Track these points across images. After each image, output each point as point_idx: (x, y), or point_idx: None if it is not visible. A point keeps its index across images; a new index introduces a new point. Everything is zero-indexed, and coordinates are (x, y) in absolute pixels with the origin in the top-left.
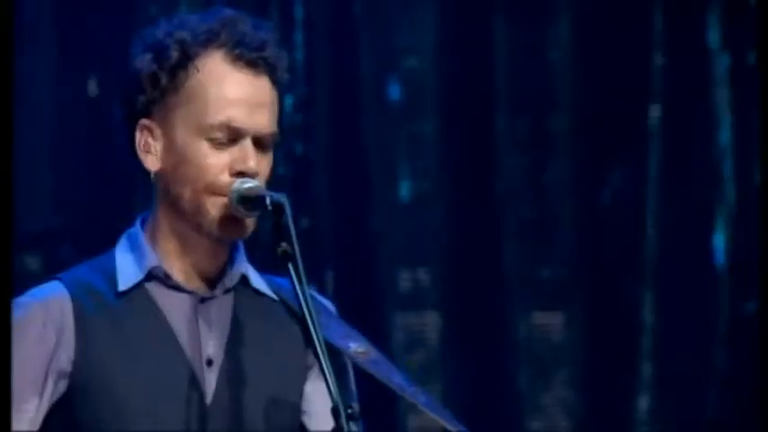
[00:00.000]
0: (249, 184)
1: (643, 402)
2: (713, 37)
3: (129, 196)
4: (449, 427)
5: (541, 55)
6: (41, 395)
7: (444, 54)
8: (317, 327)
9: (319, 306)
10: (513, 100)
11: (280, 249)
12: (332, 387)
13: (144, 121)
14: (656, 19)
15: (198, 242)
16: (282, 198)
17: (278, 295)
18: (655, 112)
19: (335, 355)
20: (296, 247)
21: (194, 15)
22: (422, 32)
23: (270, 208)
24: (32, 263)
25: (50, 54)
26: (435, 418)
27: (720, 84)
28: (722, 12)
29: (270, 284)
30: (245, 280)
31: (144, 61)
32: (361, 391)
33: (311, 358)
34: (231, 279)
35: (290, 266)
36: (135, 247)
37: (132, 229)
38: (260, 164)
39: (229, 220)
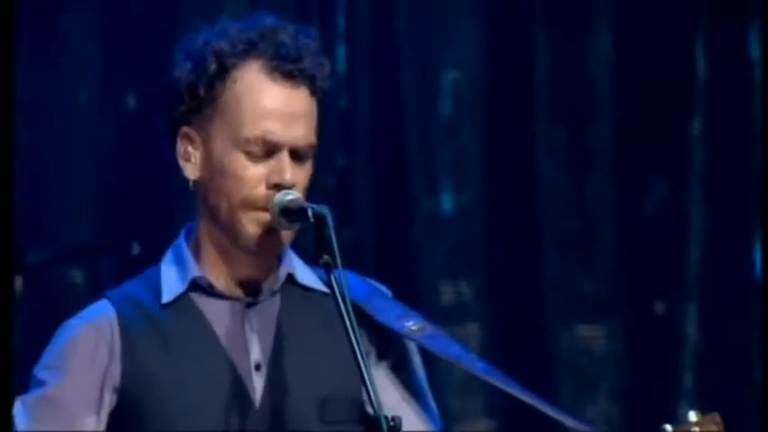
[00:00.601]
0: (291, 196)
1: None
2: (755, 49)
3: (169, 209)
4: (508, 390)
5: (583, 67)
6: (99, 413)
7: (486, 67)
8: (359, 341)
9: (374, 291)
10: (555, 112)
11: (322, 261)
12: (373, 398)
13: (184, 129)
14: (698, 30)
15: (237, 253)
16: (324, 210)
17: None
18: (696, 124)
19: (395, 341)
20: (338, 258)
21: (236, 23)
22: (463, 45)
23: (312, 220)
24: (75, 276)
25: (93, 67)
26: (492, 382)
27: (762, 96)
28: (764, 24)
29: (321, 277)
30: (291, 278)
31: (183, 70)
32: None
33: (368, 345)
34: (277, 281)
35: (333, 278)
36: (179, 259)
37: (177, 241)
38: (297, 175)
39: (266, 235)
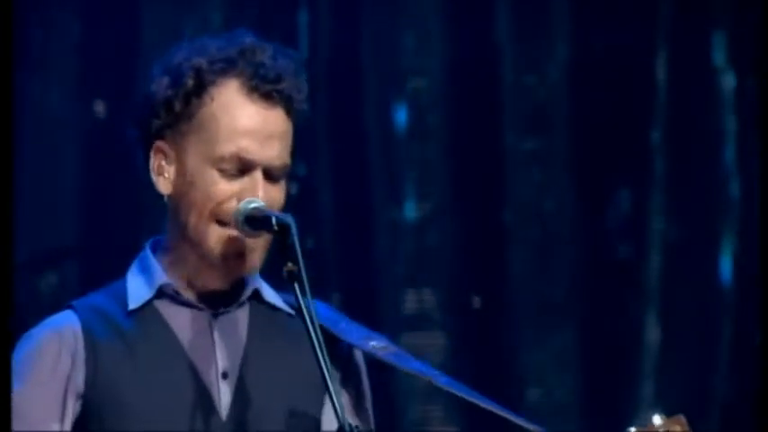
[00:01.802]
0: (255, 204)
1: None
2: (719, 56)
3: (142, 215)
4: (472, 400)
5: (544, 76)
6: (62, 420)
7: (449, 75)
8: (323, 347)
9: (335, 315)
10: (518, 121)
11: (286, 269)
12: (337, 406)
13: (158, 144)
14: (659, 38)
15: (205, 268)
16: (288, 218)
17: (294, 309)
18: (658, 131)
19: (347, 362)
20: (302, 266)
21: (216, 40)
22: (427, 53)
23: (276, 228)
24: (49, 281)
25: (64, 74)
26: (458, 394)
27: (726, 103)
28: (728, 31)
29: (286, 300)
30: (257, 295)
31: (160, 85)
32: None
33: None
34: (244, 293)
35: (296, 286)
36: (145, 268)
37: (142, 253)
38: (271, 193)
39: (234, 255)
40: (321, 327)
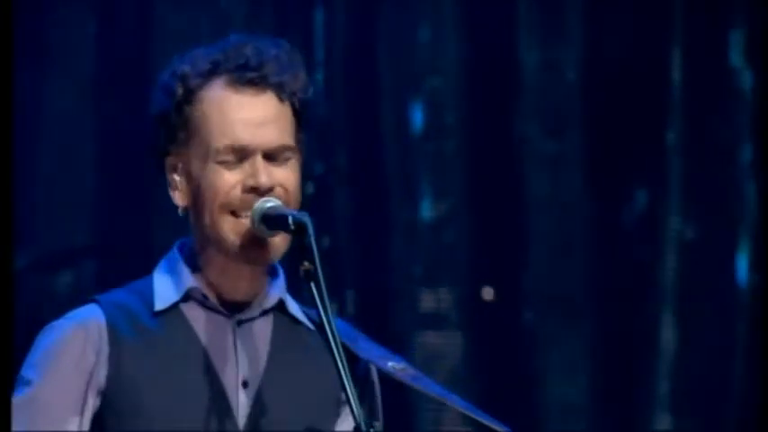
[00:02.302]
0: (271, 203)
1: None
2: (736, 56)
3: (155, 213)
4: (491, 425)
5: (561, 75)
6: (82, 414)
7: (465, 74)
8: (339, 346)
9: (358, 334)
10: (535, 120)
11: (302, 268)
12: (355, 408)
13: (167, 160)
14: (675, 38)
15: (233, 268)
16: (305, 217)
17: (314, 325)
18: (675, 132)
19: (365, 380)
20: (318, 266)
21: (203, 49)
22: (443, 53)
23: (292, 227)
24: (64, 280)
25: (77, 74)
26: (477, 418)
27: (742, 103)
28: (745, 30)
29: (307, 314)
30: (281, 305)
31: (156, 103)
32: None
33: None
34: (269, 301)
35: (313, 285)
36: (173, 270)
37: (171, 254)
38: (277, 176)
39: (250, 243)
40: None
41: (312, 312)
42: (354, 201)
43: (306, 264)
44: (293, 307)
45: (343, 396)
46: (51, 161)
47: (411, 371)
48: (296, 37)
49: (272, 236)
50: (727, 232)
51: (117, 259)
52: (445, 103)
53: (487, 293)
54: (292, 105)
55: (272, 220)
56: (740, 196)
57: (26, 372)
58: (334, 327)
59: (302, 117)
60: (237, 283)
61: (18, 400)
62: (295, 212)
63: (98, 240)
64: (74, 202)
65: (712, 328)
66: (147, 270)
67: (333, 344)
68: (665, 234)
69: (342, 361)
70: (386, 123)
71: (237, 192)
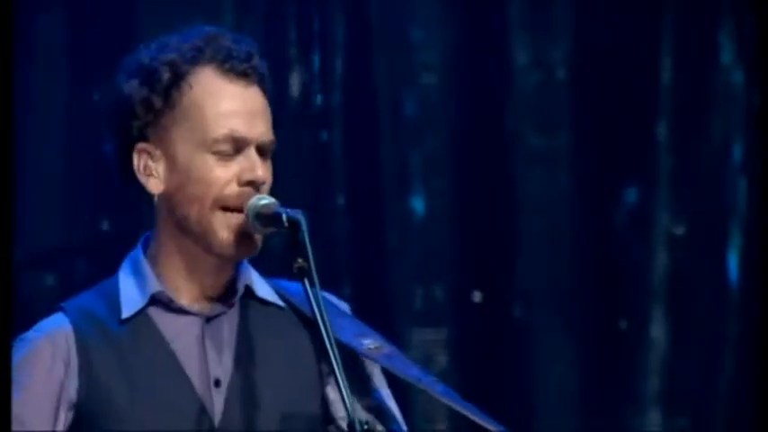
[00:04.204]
0: (265, 200)
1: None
2: (727, 52)
3: (141, 212)
4: (464, 413)
5: (548, 71)
6: (54, 428)
7: (457, 70)
8: (334, 344)
9: (331, 308)
10: (525, 117)
11: (296, 265)
12: (347, 401)
13: (141, 145)
14: (667, 32)
15: (205, 261)
16: (299, 214)
17: (285, 301)
18: (665, 128)
19: (357, 364)
20: (312, 263)
21: (174, 36)
22: (437, 48)
23: (286, 224)
24: (48, 279)
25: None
26: (451, 404)
27: (733, 100)
28: (736, 28)
29: (277, 289)
30: (249, 291)
31: (133, 87)
32: None
33: (326, 360)
34: (235, 294)
35: (306, 282)
36: (137, 271)
37: (134, 252)
38: (265, 172)
39: (241, 238)
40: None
41: (285, 284)
42: (348, 196)
43: (300, 261)
44: (262, 290)
45: (327, 368)
46: (51, 160)
47: (387, 349)
48: (293, 34)
49: (265, 232)
50: (718, 229)
51: (108, 258)
52: (438, 100)
53: (477, 296)
54: (268, 99)
55: (267, 218)
56: (731, 193)
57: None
58: (329, 325)
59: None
60: (204, 278)
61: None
62: (289, 210)
63: (91, 239)
64: (71, 200)
65: (703, 326)
66: None
67: (327, 342)
68: (656, 231)
69: (336, 358)
70: (379, 120)
71: (233, 187)
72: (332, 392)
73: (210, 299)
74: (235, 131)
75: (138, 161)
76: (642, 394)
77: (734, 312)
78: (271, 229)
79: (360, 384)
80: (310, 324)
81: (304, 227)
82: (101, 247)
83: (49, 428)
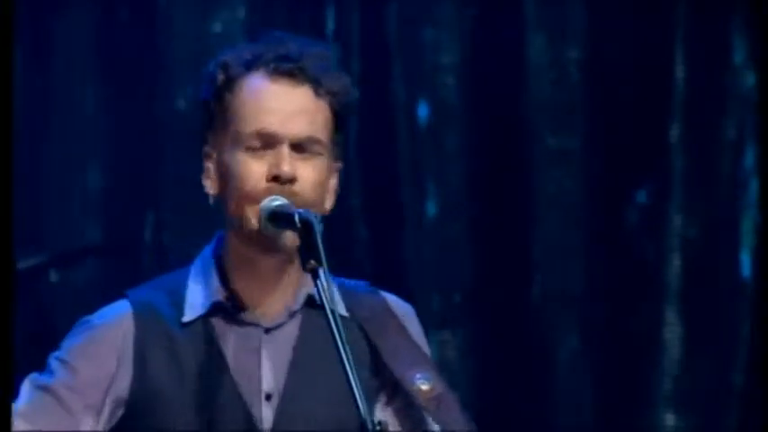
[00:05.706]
0: (278, 201)
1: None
2: (739, 54)
3: (157, 212)
4: None
5: (562, 72)
6: (98, 419)
7: (471, 72)
8: (345, 345)
9: (389, 320)
10: (538, 118)
11: (308, 266)
12: (360, 402)
13: (204, 148)
14: (679, 34)
15: (262, 261)
16: (311, 216)
17: (349, 310)
18: (678, 129)
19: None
20: (324, 264)
21: (248, 43)
22: (452, 50)
23: (299, 226)
24: (66, 278)
25: (88, 69)
26: None
27: (745, 101)
28: (749, 29)
29: (342, 292)
30: (311, 300)
31: (201, 91)
32: None
33: (380, 379)
34: (296, 302)
35: (319, 283)
36: (205, 274)
37: (205, 252)
38: (301, 169)
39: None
40: (367, 335)
41: (346, 286)
42: (365, 198)
43: (312, 262)
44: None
45: (378, 384)
46: (56, 159)
47: (437, 390)
48: (306, 34)
49: (277, 234)
50: (731, 230)
51: (124, 259)
52: (452, 102)
53: (491, 299)
54: (331, 105)
55: (279, 219)
56: (743, 194)
57: (53, 361)
58: (341, 326)
59: (341, 119)
60: (266, 278)
61: (38, 385)
62: (301, 211)
63: (105, 240)
64: (81, 201)
65: (716, 327)
66: (155, 270)
67: (339, 342)
68: (669, 232)
69: (348, 357)
70: (393, 119)
71: (263, 183)
72: (380, 413)
73: (272, 305)
74: (264, 128)
75: (204, 164)
76: (655, 395)
77: (747, 313)
78: (283, 231)
79: (405, 408)
80: (369, 335)
81: (317, 228)
82: (120, 249)
83: (93, 415)
